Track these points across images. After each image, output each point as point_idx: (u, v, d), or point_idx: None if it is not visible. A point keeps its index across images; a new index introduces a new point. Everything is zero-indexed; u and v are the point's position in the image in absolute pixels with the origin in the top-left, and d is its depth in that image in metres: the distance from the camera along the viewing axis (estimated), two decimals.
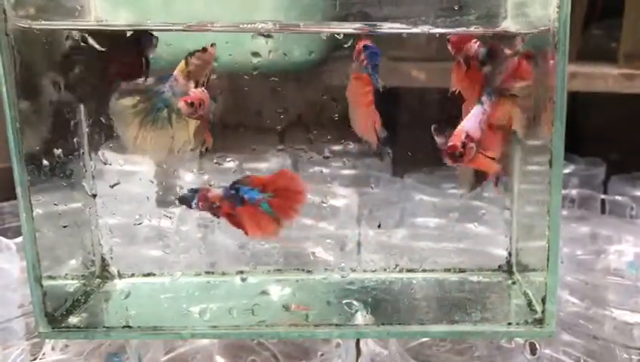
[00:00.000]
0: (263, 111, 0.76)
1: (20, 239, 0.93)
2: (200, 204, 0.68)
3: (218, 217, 0.70)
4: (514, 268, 0.78)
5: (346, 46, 0.68)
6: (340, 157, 0.82)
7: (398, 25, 0.65)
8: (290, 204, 0.69)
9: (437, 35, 0.66)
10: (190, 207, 0.69)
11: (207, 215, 0.70)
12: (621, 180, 1.24)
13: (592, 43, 1.32)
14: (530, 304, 0.70)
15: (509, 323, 0.66)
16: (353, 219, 0.96)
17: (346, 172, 0.99)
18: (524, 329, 0.65)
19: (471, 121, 0.65)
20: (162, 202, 0.81)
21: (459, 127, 0.65)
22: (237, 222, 0.69)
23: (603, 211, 1.20)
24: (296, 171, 0.97)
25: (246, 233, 0.69)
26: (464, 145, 0.64)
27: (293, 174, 0.71)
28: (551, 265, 0.63)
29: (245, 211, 0.68)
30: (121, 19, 0.67)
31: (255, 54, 0.70)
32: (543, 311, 0.64)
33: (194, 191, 0.69)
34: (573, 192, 1.20)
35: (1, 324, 0.79)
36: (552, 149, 0.61)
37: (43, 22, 0.64)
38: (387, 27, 0.64)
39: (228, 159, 0.75)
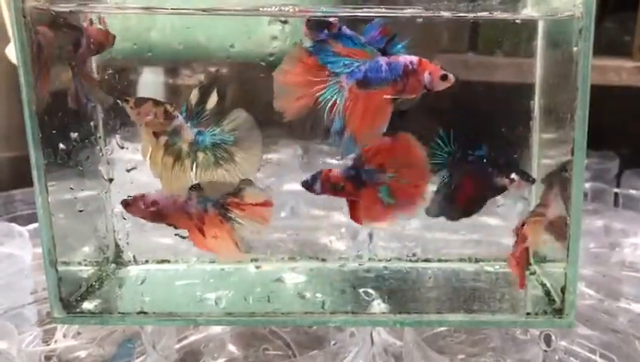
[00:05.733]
0: None
1: (32, 226, 0.93)
2: (322, 186, 0.65)
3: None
4: (531, 259, 0.77)
5: None
6: None
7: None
8: (412, 189, 0.65)
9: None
10: (314, 191, 0.66)
11: None
12: (634, 174, 1.24)
13: (606, 36, 1.32)
14: (548, 294, 0.69)
15: (528, 314, 0.65)
16: None
17: None
18: (544, 319, 0.65)
19: None
20: None
21: None
22: (356, 208, 0.66)
23: (616, 205, 1.20)
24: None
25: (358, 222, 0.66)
26: None
27: (413, 142, 0.65)
28: (571, 255, 0.62)
29: (365, 195, 0.65)
30: (137, 2, 0.66)
31: (272, 38, 0.69)
32: (562, 302, 0.64)
33: (317, 174, 0.65)
34: (586, 186, 1.19)
35: (14, 310, 0.79)
36: (575, 137, 0.60)
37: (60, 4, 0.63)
38: (409, 12, 0.63)
39: None
